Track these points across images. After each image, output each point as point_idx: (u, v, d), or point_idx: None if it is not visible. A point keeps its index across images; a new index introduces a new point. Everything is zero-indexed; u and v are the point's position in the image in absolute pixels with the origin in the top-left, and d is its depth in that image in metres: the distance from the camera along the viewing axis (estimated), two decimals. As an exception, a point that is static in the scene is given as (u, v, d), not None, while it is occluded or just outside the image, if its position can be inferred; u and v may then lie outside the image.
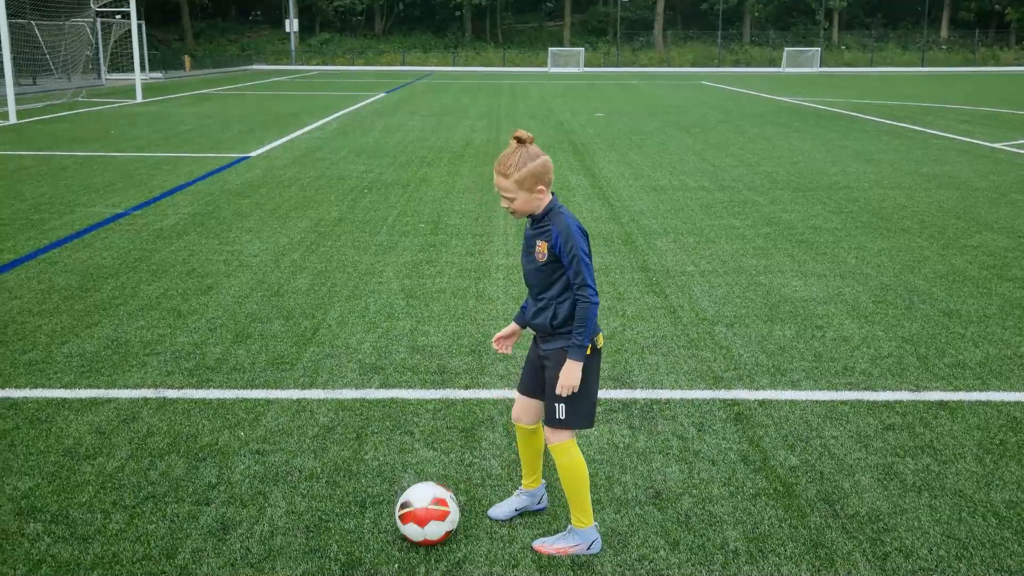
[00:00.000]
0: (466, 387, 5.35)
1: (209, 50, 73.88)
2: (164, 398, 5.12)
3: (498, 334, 3.82)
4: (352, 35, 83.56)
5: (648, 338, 6.23)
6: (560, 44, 78.52)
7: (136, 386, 5.29)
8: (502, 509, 3.88)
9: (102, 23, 36.07)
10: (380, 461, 4.39)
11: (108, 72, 40.83)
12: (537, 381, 3.68)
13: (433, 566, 3.52)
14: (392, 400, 5.15)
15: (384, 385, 5.36)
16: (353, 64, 74.40)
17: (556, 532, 3.74)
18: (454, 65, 73.96)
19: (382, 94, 35.79)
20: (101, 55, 37.36)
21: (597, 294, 3.47)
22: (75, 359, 5.72)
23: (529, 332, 3.70)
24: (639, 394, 5.25)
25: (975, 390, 5.34)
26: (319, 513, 3.90)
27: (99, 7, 31.80)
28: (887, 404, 5.12)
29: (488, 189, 12.36)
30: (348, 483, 4.17)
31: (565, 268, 3.44)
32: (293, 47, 76.36)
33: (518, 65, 74.28)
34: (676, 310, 6.87)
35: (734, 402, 5.15)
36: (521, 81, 50.06)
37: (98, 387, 5.27)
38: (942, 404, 5.13)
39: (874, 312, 6.83)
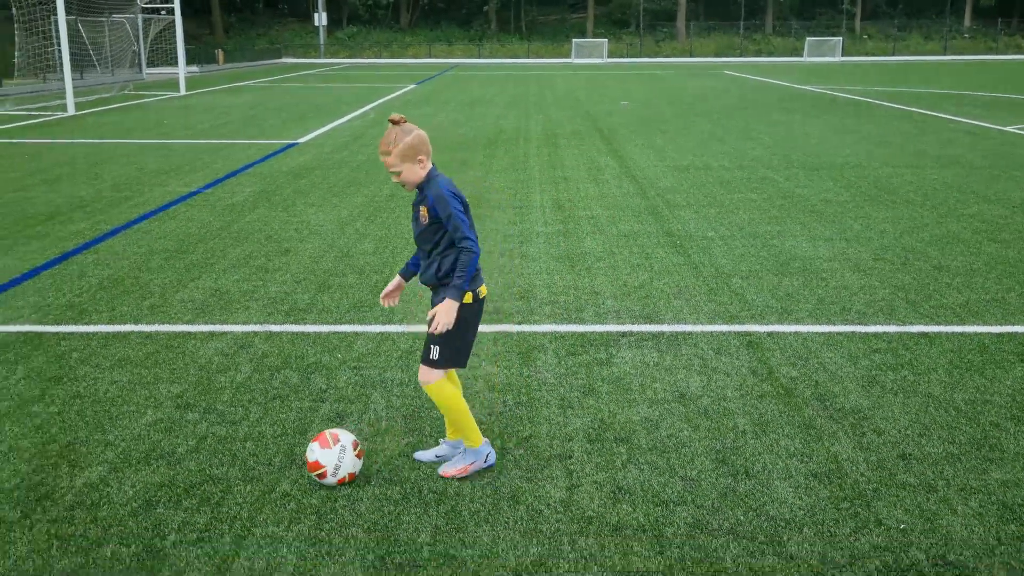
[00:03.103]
0: (519, 323, 6.35)
1: (239, 44, 75.24)
2: (270, 331, 6.16)
3: (384, 291, 4.24)
4: (378, 28, 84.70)
5: (673, 288, 7.21)
6: (583, 35, 79.28)
7: (244, 323, 6.33)
8: (426, 454, 4.32)
9: (143, 19, 37.30)
10: (456, 373, 5.39)
11: (147, 66, 42.08)
12: None
13: (507, 441, 4.52)
14: (459, 332, 6.15)
15: (451, 322, 6.37)
16: (379, 57, 75.54)
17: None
18: (479, 57, 74.92)
19: (413, 85, 36.82)
20: (142, 50, 38.61)
21: (476, 244, 3.89)
22: (188, 304, 6.78)
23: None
24: (666, 328, 6.24)
25: (953, 324, 6.30)
26: (412, 408, 4.92)
27: (144, 3, 33.00)
28: (876, 335, 6.08)
29: (523, 169, 13.36)
30: (432, 388, 5.19)
31: (444, 226, 3.91)
32: (322, 41, 77.59)
33: (542, 56, 75.15)
34: (697, 266, 7.84)
35: (747, 333, 6.12)
36: (546, 72, 50.95)
37: (213, 323, 6.32)
38: (923, 335, 6.08)
39: (872, 267, 7.77)
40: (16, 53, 27.24)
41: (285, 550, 3.57)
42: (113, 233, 9.10)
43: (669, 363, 5.57)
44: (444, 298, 3.90)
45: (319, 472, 4.00)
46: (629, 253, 8.29)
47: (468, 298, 3.98)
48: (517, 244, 8.67)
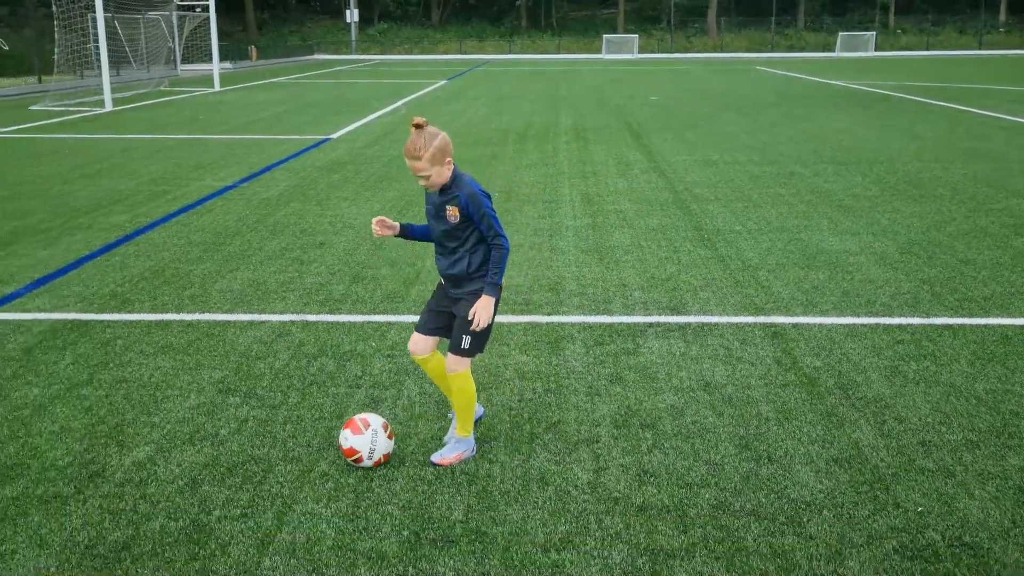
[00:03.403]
0: (548, 314, 6.50)
1: (272, 40, 75.87)
2: (306, 321, 6.35)
3: (386, 221, 4.24)
4: (409, 25, 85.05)
5: (700, 280, 7.33)
6: (614, 31, 79.20)
7: (281, 312, 6.53)
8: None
9: (178, 16, 37.79)
10: (486, 362, 5.55)
11: (181, 63, 42.60)
12: (439, 323, 4.30)
13: (536, 426, 4.68)
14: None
15: (482, 312, 6.53)
16: (411, 53, 75.86)
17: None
18: (509, 53, 75.04)
19: (444, 81, 37.04)
20: (177, 47, 39.12)
21: (508, 240, 4.13)
22: (227, 294, 6.98)
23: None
24: (692, 319, 6.36)
25: (978, 316, 6.37)
26: (443, 394, 5.07)
27: (180, 1, 33.47)
28: (900, 327, 6.17)
29: (552, 163, 13.49)
30: (464, 375, 5.35)
31: (476, 224, 4.06)
32: (353, 37, 78.05)
33: (573, 52, 75.15)
34: (724, 259, 7.95)
35: (772, 325, 6.23)
36: (576, 68, 51.00)
37: (251, 313, 6.52)
38: (947, 327, 6.17)
39: (899, 261, 7.84)
40: (55, 50, 27.71)
41: (324, 525, 3.75)
42: (153, 226, 9.34)
43: (695, 353, 5.70)
44: (476, 292, 4.11)
45: (355, 457, 4.17)
46: (657, 246, 8.41)
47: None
48: (547, 237, 8.81)
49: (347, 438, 4.19)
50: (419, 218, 9.69)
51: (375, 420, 4.24)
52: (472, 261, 4.14)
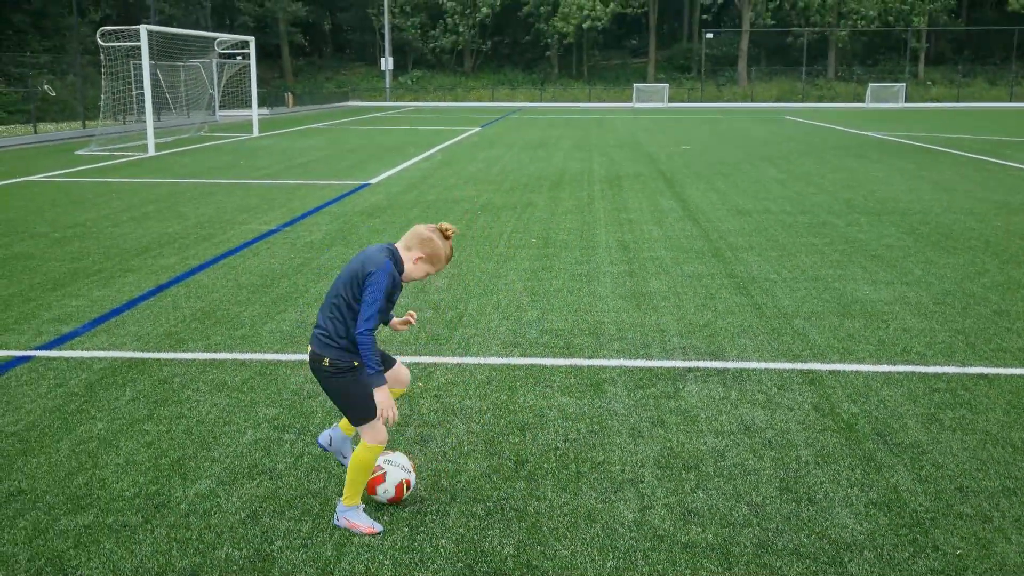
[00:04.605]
0: (589, 357, 6.66)
1: (308, 87, 77.20)
2: (354, 361, 6.54)
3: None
4: (443, 72, 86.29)
5: (737, 327, 7.47)
6: (644, 80, 79.92)
7: (330, 353, 6.72)
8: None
9: (217, 64, 38.66)
10: (531, 403, 5.72)
11: (219, 109, 43.48)
12: None
13: (581, 466, 4.83)
14: (532, 365, 6.49)
15: (524, 355, 6.71)
16: (443, 100, 76.90)
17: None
18: (541, 101, 75.90)
19: (477, 128, 37.57)
20: (216, 93, 39.98)
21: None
22: (276, 334, 7.21)
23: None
24: (730, 365, 6.51)
25: (1013, 366, 6.47)
26: (491, 433, 5.25)
27: (221, 49, 34.27)
28: (936, 375, 6.28)
29: (588, 211, 13.72)
30: (509, 416, 5.52)
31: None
32: (388, 84, 79.27)
33: (604, 100, 75.88)
34: (760, 307, 8.09)
35: (809, 371, 6.36)
36: (607, 116, 51.51)
37: (301, 353, 6.73)
38: (983, 376, 6.27)
39: (933, 311, 7.95)
40: (101, 97, 28.48)
41: (381, 557, 3.91)
42: (201, 268, 9.62)
43: (734, 398, 5.83)
44: None
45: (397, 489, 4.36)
46: (694, 293, 8.57)
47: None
48: (585, 283, 9.00)
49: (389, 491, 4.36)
50: (458, 261, 9.91)
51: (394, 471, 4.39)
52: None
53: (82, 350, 6.77)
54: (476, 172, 19.59)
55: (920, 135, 32.33)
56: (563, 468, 4.79)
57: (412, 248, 4.13)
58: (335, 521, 4.19)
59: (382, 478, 4.33)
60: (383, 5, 79.23)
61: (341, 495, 4.27)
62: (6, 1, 46.05)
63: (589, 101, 75.93)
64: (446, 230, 4.15)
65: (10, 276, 9.25)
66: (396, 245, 4.17)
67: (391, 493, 4.34)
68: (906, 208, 14.05)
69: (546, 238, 11.49)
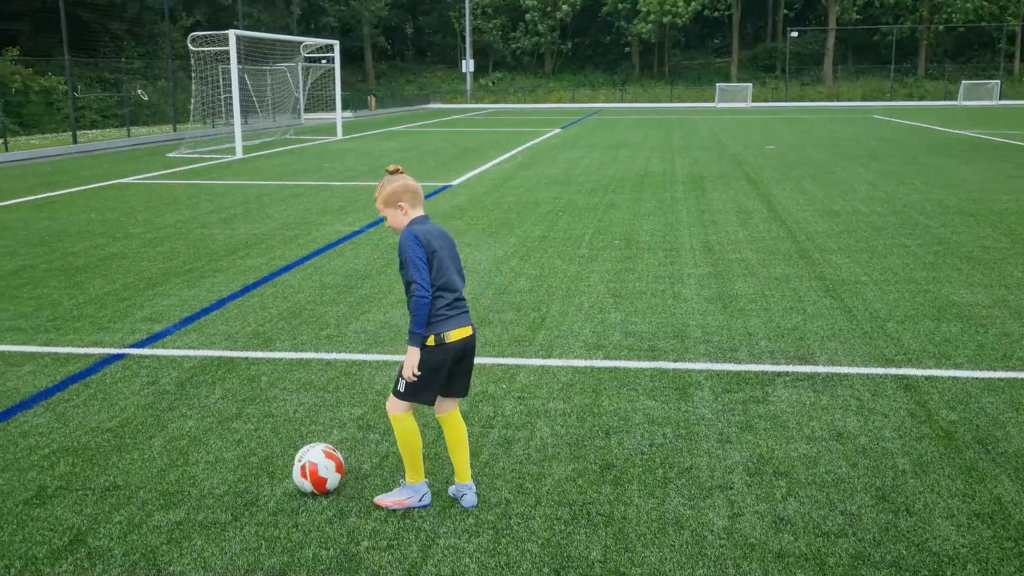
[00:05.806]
0: (675, 360, 6.56)
1: (390, 90, 78.09)
2: (438, 362, 6.55)
3: None
4: (523, 74, 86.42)
5: (827, 331, 7.28)
6: (727, 79, 78.88)
7: (414, 353, 6.74)
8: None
9: (303, 67, 39.32)
10: (615, 406, 5.65)
11: (304, 112, 44.23)
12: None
13: (668, 471, 4.74)
14: (616, 368, 6.41)
15: (608, 358, 6.64)
16: (523, 102, 77.02)
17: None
18: (622, 102, 75.45)
19: (558, 129, 37.51)
20: (302, 96, 40.68)
21: (426, 288, 4.02)
22: (361, 335, 7.26)
23: None
24: (821, 369, 6.33)
25: (1122, 374, 6.17)
26: (575, 436, 5.19)
27: (307, 53, 34.85)
28: (1040, 382, 6.03)
29: (671, 211, 13.55)
30: (593, 419, 5.45)
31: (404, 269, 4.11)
32: (468, 86, 79.72)
33: (685, 101, 75.11)
34: (851, 310, 7.88)
35: (903, 377, 6.16)
36: (689, 116, 50.97)
37: (385, 353, 6.76)
38: (1090, 383, 5.99)
39: (1035, 315, 7.64)
40: (191, 101, 29.21)
41: (467, 560, 3.89)
42: (287, 268, 9.76)
43: (825, 403, 5.67)
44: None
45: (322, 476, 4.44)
46: (781, 296, 8.39)
47: (431, 340, 4.12)
48: (669, 284, 8.87)
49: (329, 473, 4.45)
50: (540, 262, 9.87)
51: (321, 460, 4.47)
52: (408, 306, 4.18)
53: (173, 348, 6.91)
54: (558, 173, 19.53)
55: (1017, 133, 31.23)
56: (649, 473, 4.71)
57: (390, 206, 4.18)
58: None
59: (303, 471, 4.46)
60: (464, 7, 79.71)
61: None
62: (106, 9, 47.56)
63: (670, 101, 75.25)
64: (391, 170, 4.23)
65: (105, 275, 9.51)
66: (395, 224, 4.23)
67: (307, 487, 4.45)
68: (1004, 208, 13.56)
69: (629, 239, 11.38)
